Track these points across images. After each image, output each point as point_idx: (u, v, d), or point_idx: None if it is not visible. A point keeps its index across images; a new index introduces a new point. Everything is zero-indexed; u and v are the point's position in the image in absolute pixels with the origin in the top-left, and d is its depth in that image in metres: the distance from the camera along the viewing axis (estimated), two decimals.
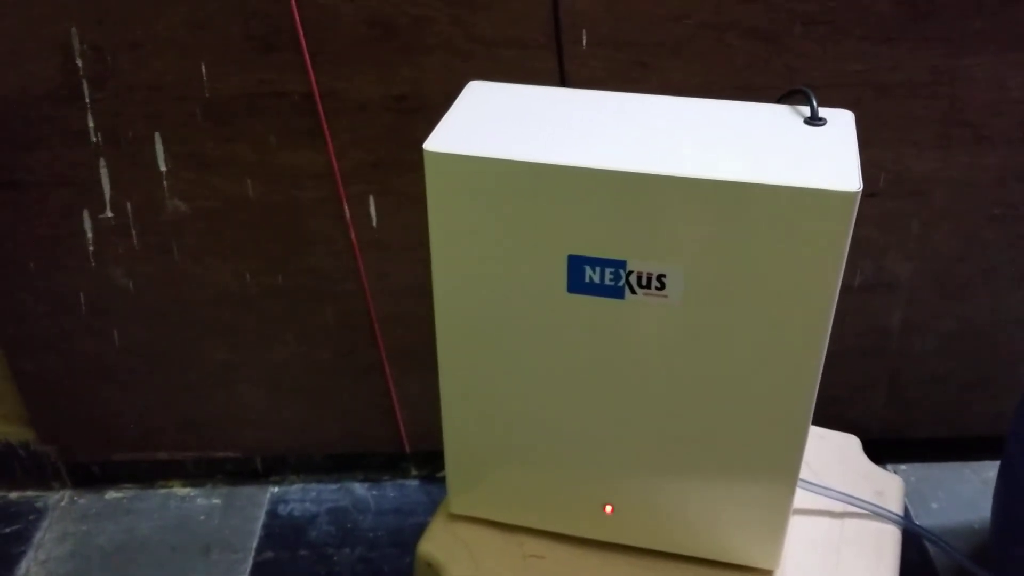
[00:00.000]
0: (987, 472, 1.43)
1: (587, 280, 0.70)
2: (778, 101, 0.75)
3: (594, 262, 0.69)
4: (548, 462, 0.82)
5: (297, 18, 1.05)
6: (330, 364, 1.33)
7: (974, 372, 1.35)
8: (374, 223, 1.20)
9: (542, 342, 0.74)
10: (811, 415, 0.73)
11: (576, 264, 0.69)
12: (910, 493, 1.40)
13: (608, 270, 0.69)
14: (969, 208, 1.19)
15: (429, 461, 1.45)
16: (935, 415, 1.40)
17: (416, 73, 1.09)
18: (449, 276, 0.73)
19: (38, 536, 1.38)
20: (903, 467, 1.45)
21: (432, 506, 1.41)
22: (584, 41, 1.07)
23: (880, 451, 1.41)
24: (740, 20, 1.06)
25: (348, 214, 1.19)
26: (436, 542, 0.88)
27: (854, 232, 0.64)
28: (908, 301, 1.27)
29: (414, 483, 1.46)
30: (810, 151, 0.67)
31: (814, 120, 0.71)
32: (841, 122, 0.71)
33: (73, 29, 1.06)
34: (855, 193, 0.62)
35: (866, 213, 1.18)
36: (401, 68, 1.09)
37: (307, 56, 1.07)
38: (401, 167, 1.15)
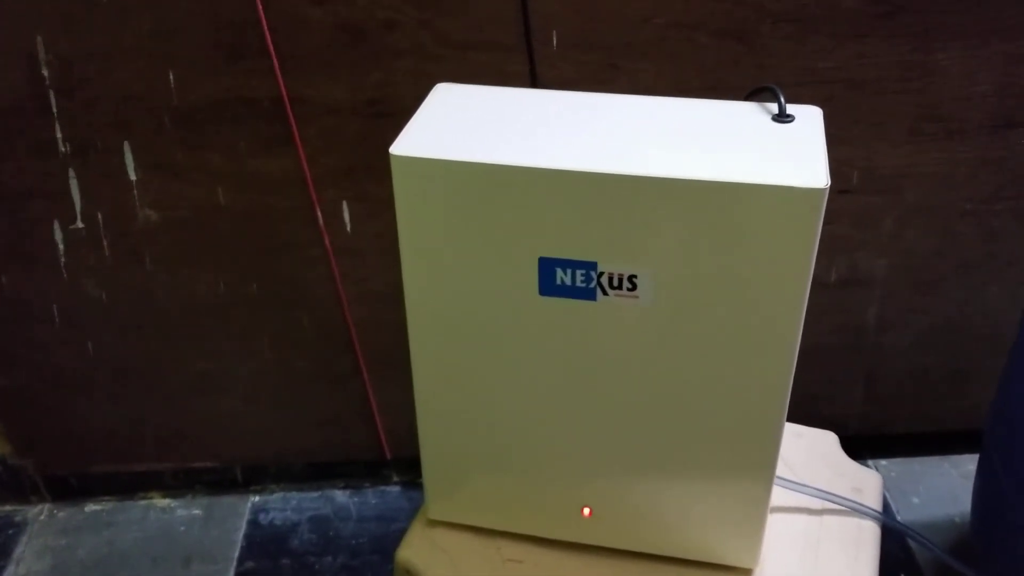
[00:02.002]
0: (967, 466, 1.43)
1: (559, 282, 0.70)
2: (746, 98, 0.75)
3: (565, 264, 0.69)
4: (525, 466, 0.82)
5: (265, 24, 1.04)
6: (308, 372, 1.33)
7: (950, 366, 1.36)
8: (348, 229, 1.19)
9: (515, 345, 0.74)
10: (785, 412, 0.73)
11: (547, 266, 0.69)
12: (891, 488, 1.40)
13: (579, 272, 0.69)
14: (942, 203, 1.20)
15: (410, 467, 1.44)
16: (913, 410, 1.41)
17: (386, 77, 1.09)
18: (420, 281, 0.73)
19: (18, 551, 1.37)
20: (883, 462, 1.45)
21: (414, 512, 1.39)
22: (554, 43, 1.07)
23: (859, 447, 1.42)
24: (709, 19, 1.06)
25: (321, 220, 1.18)
26: (415, 549, 0.87)
27: (827, 229, 0.64)
28: (883, 297, 1.27)
29: (395, 489, 1.45)
30: (778, 148, 0.67)
31: (782, 117, 0.71)
32: (809, 118, 0.71)
33: (39, 39, 1.05)
34: (823, 189, 0.62)
35: (839, 210, 1.18)
36: (371, 72, 1.08)
37: (276, 62, 1.07)
38: (374, 172, 1.15)
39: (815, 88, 1.10)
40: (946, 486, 1.41)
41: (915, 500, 1.39)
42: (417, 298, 0.74)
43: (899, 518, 1.36)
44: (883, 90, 1.11)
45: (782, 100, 0.71)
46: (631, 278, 0.68)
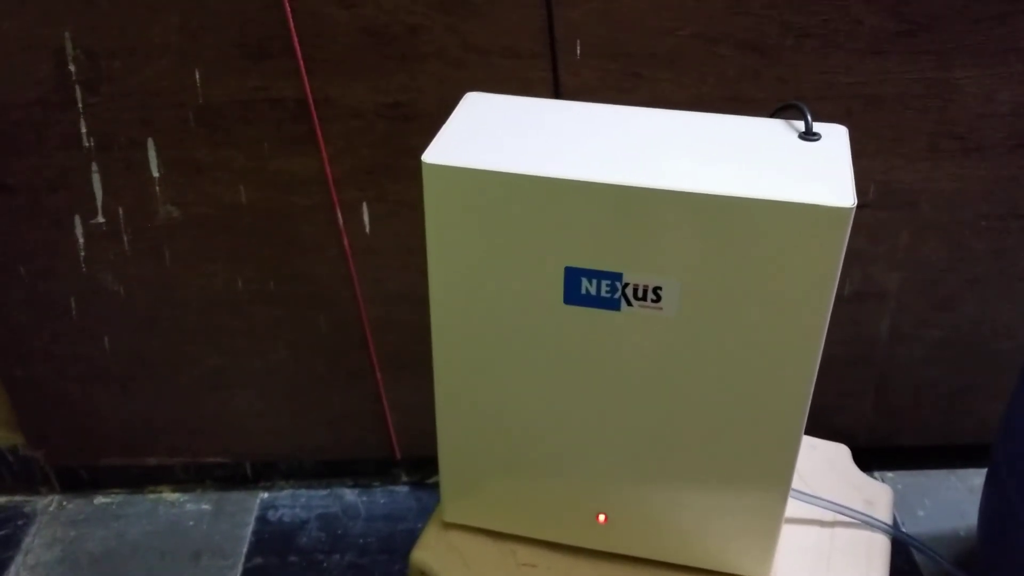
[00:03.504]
0: (973, 479, 1.44)
1: (584, 292, 0.70)
2: (772, 115, 0.75)
3: (591, 274, 0.69)
4: (542, 471, 0.82)
5: (292, 25, 1.05)
6: (321, 370, 1.33)
7: (961, 380, 1.36)
8: (367, 230, 1.20)
9: (538, 353, 0.75)
10: (804, 425, 0.74)
11: (573, 276, 0.70)
12: (897, 500, 1.41)
13: (605, 282, 0.70)
14: (957, 219, 1.21)
15: (419, 467, 1.45)
16: (922, 423, 1.41)
17: (410, 81, 1.09)
18: (446, 287, 0.74)
19: (27, 541, 1.37)
20: (890, 474, 1.46)
21: (422, 512, 1.41)
22: (578, 51, 1.07)
23: (867, 459, 1.43)
24: (732, 32, 1.06)
25: (341, 220, 1.19)
26: (429, 550, 0.88)
27: None
28: (896, 310, 1.28)
29: (404, 489, 1.46)
30: (805, 166, 0.67)
31: (808, 135, 0.71)
32: (835, 137, 0.72)
33: (66, 34, 1.06)
34: (849, 209, 0.63)
35: (856, 223, 1.17)
36: (395, 76, 1.09)
37: (302, 63, 1.07)
38: (395, 174, 1.15)
39: (835, 103, 1.11)
40: (952, 499, 1.42)
41: (921, 513, 1.39)
42: (442, 303, 0.75)
43: (905, 530, 1.36)
44: (903, 107, 1.11)
45: (809, 118, 0.72)
46: (656, 289, 0.69)
